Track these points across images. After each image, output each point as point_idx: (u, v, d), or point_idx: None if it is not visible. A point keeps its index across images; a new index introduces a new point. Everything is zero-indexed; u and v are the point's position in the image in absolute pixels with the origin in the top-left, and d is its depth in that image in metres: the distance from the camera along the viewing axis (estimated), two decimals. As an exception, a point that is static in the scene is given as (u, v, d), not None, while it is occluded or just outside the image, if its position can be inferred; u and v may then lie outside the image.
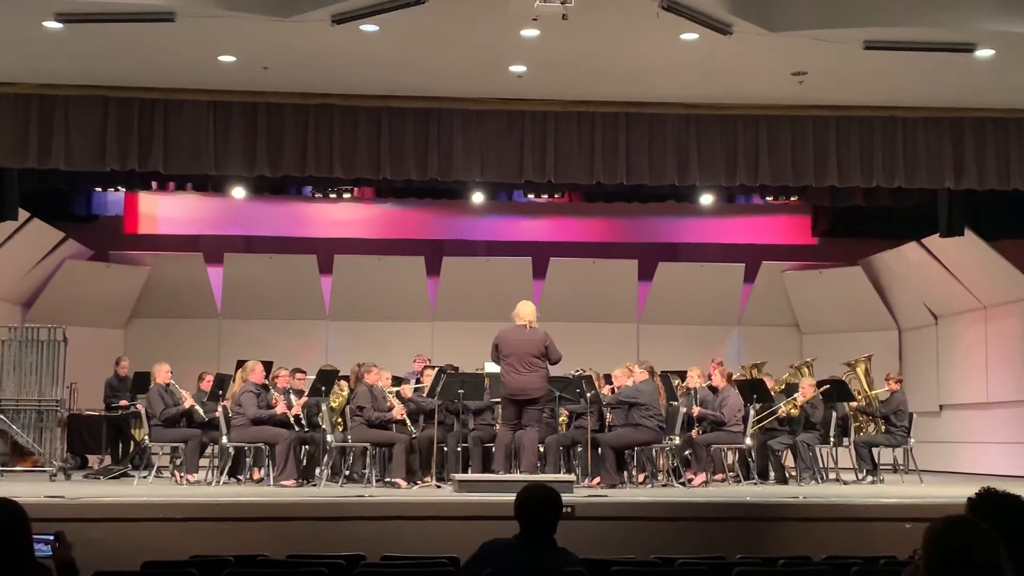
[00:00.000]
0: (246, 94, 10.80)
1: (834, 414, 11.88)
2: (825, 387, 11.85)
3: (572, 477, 9.92)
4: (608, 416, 10.95)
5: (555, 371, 11.39)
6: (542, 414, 10.09)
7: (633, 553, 6.32)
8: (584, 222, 16.94)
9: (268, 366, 11.34)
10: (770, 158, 11.21)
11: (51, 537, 3.88)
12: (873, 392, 12.96)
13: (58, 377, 11.69)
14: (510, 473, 9.88)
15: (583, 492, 9.35)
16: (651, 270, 16.01)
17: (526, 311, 9.91)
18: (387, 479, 10.45)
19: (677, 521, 8.34)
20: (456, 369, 11.47)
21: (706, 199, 15.21)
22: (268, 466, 10.71)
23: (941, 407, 14.84)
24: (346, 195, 15.73)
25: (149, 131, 10.73)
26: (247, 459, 11.00)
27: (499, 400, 10.45)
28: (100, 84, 10.57)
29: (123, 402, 12.60)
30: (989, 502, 3.35)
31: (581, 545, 4.80)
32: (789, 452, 11.71)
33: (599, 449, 10.47)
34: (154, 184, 14.45)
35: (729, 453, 11.82)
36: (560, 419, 11.29)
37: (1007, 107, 11.09)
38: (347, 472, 11.03)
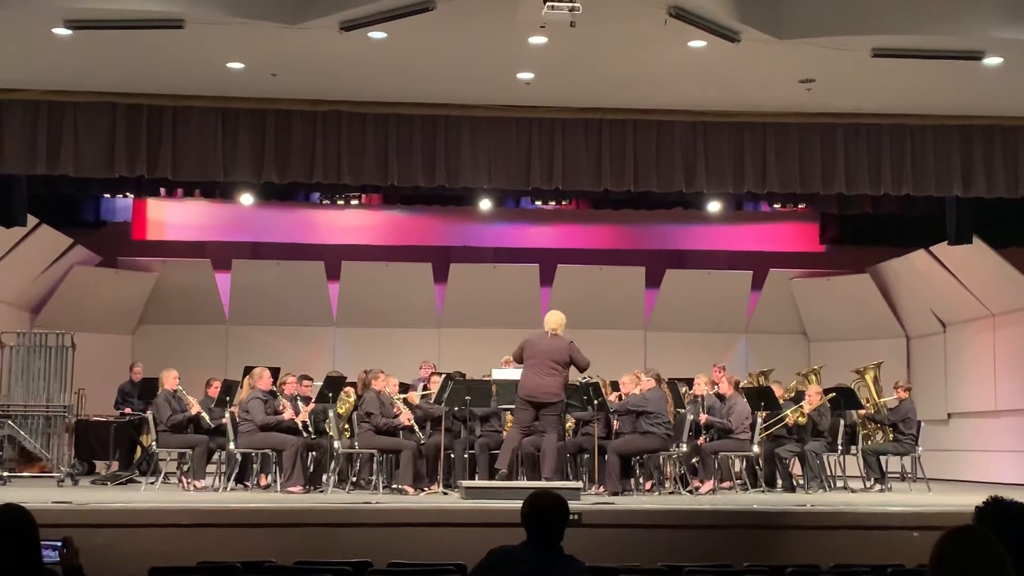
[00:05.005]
0: (254, 101, 10.82)
1: (842, 422, 11.86)
2: (831, 395, 11.83)
3: (579, 484, 9.93)
4: (615, 423, 10.94)
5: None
6: (559, 421, 10.11)
7: (640, 561, 6.32)
8: (591, 229, 16.93)
9: (275, 372, 11.35)
10: (778, 165, 11.20)
11: (59, 543, 3.88)
12: (882, 400, 12.93)
13: (66, 383, 11.69)
14: (514, 474, 9.93)
15: (590, 499, 9.35)
16: (658, 277, 16.00)
17: (552, 320, 10.10)
18: (394, 486, 10.45)
19: (684, 529, 8.33)
20: (463, 376, 11.47)
21: (714, 206, 15.20)
22: (275, 472, 10.73)
23: (949, 415, 14.80)
24: (354, 202, 15.73)
25: (158, 137, 10.75)
26: (254, 465, 11.00)
27: (506, 407, 10.48)
28: (109, 90, 10.60)
29: (127, 410, 12.63)
30: (997, 511, 3.34)
31: (588, 552, 4.79)
32: (796, 460, 11.69)
33: (606, 456, 10.46)
34: (162, 190, 14.50)
35: (736, 461, 11.81)
36: (567, 426, 11.29)
37: (1015, 115, 11.06)
38: (354, 478, 11.05)
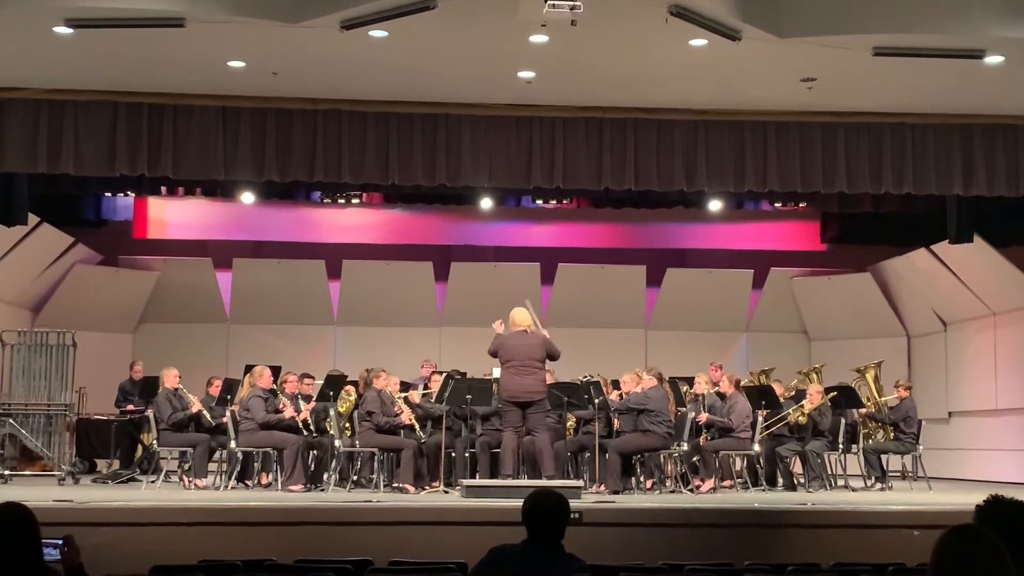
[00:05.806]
0: (255, 99, 10.81)
1: (843, 421, 11.86)
2: (832, 394, 11.83)
3: (580, 483, 9.93)
4: (616, 422, 10.94)
5: (563, 376, 11.43)
6: (547, 417, 10.10)
7: (641, 559, 6.32)
8: (592, 228, 16.93)
9: (276, 371, 11.35)
10: (779, 164, 11.20)
11: (60, 541, 3.88)
12: (882, 399, 12.93)
13: (67, 381, 11.69)
14: (518, 477, 9.92)
15: (591, 498, 9.35)
16: (659, 276, 16.00)
17: (520, 317, 10.07)
18: (395, 484, 10.45)
19: (685, 527, 8.33)
20: (464, 374, 11.47)
21: (714, 205, 15.22)
22: (276, 471, 10.73)
23: (950, 414, 14.79)
24: (355, 200, 15.75)
25: (158, 136, 10.75)
26: (255, 464, 11.00)
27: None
28: (110, 89, 10.59)
29: (129, 407, 12.64)
30: (997, 509, 3.34)
31: (589, 551, 4.79)
32: (797, 459, 11.69)
33: (607, 455, 10.46)
34: (163, 189, 14.50)
35: (737, 459, 11.81)
36: (568, 424, 11.29)
37: (1016, 113, 11.06)
38: (355, 477, 11.05)
